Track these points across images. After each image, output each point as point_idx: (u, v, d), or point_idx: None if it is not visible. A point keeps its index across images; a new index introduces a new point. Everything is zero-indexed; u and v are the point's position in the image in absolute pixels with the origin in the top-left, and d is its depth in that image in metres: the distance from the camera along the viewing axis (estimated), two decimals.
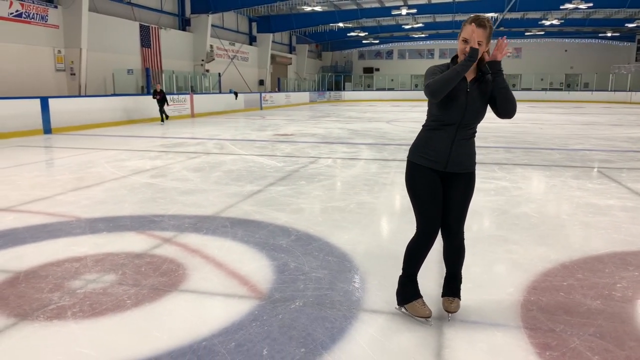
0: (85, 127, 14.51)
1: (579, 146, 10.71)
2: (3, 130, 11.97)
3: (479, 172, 7.24)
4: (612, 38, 43.12)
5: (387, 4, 30.51)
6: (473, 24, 2.41)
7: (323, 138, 12.47)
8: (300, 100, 36.24)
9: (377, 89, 48.14)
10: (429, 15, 34.93)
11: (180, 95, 19.93)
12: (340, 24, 34.08)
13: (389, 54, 50.78)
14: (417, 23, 36.86)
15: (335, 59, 51.12)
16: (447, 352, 2.38)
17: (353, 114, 23.60)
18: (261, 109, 28.12)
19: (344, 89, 47.25)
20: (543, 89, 44.38)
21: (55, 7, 15.86)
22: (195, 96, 21.07)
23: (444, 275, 2.85)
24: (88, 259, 3.63)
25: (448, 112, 2.48)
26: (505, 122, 17.88)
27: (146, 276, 3.30)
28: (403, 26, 37.12)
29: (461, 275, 2.83)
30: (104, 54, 18.24)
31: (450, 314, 2.75)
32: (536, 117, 20.99)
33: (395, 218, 4.97)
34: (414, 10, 28.93)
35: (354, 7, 31.26)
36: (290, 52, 40.43)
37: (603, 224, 4.66)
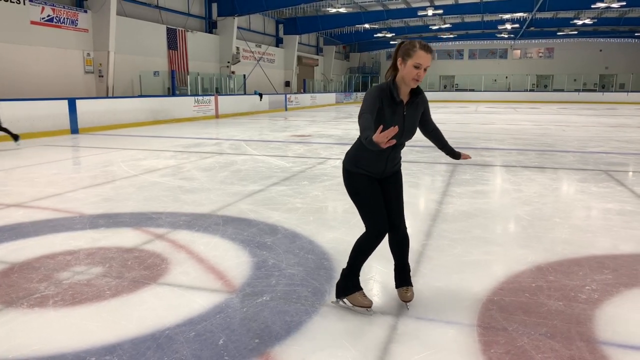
0: (111, 128, 15.02)
1: (598, 149, 10.50)
2: (32, 130, 12.53)
3: (484, 174, 7.23)
4: None
5: (414, 5, 30.37)
6: (423, 51, 2.50)
7: (339, 139, 12.58)
8: (326, 101, 36.41)
9: None
10: (456, 15, 34.62)
11: (205, 97, 20.35)
12: (367, 25, 34.10)
13: None
14: (445, 23, 36.55)
15: (363, 60, 51.14)
16: (394, 347, 2.47)
17: None
18: (286, 110, 28.40)
19: None
20: (576, 90, 43.27)
21: (85, 11, 16.47)
22: (220, 97, 21.47)
23: (393, 267, 2.96)
24: (81, 252, 3.85)
25: None
26: (528, 124, 17.63)
27: (130, 269, 3.49)
28: (431, 27, 36.87)
29: (409, 265, 2.96)
30: (131, 57, 18.82)
31: (408, 304, 2.88)
32: (562, 119, 20.58)
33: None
34: (440, 11, 28.72)
35: (380, 8, 31.25)
36: (317, 54, 40.66)
37: (594, 227, 4.63)
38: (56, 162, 8.81)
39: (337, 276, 3.38)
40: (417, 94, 2.66)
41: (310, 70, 38.99)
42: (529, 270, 3.49)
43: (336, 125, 17.14)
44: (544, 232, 4.42)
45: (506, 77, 45.76)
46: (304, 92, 33.41)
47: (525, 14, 30.18)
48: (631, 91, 40.84)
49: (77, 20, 16.13)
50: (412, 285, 2.94)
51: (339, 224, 4.69)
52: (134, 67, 18.98)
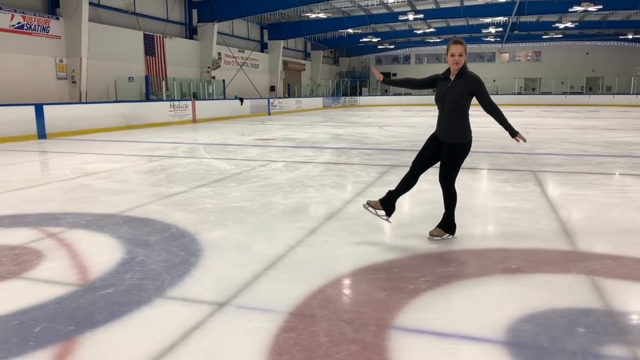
0: (81, 133, 15.22)
1: (546, 150, 10.69)
2: None
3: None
4: (634, 40, 41.99)
5: (395, 10, 30.65)
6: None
7: (299, 143, 12.76)
8: (313, 105, 36.66)
9: (394, 94, 48.17)
10: (441, 19, 34.94)
11: (181, 102, 20.57)
12: (350, 30, 34.38)
13: (406, 58, 50.81)
14: (430, 27, 36.82)
15: (353, 65, 51.50)
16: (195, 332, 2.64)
17: (356, 119, 23.83)
18: (269, 114, 28.65)
19: (360, 94, 47.47)
20: (563, 93, 43.47)
21: (57, 18, 16.72)
22: (198, 102, 21.70)
23: None
24: None
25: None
26: (493, 127, 17.81)
27: (1, 265, 3.67)
28: (415, 31, 37.15)
29: (447, 215, 4.19)
30: (106, 63, 19.06)
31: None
32: (540, 122, 20.77)
33: (281, 218, 5.19)
34: (421, 15, 29.02)
35: (362, 13, 31.53)
36: (305, 59, 40.98)
37: (475, 223, 4.81)
38: (3, 166, 9.00)
39: (190, 272, 3.57)
40: (461, 75, 3.92)
41: (297, 74, 39.28)
42: (379, 264, 3.67)
43: (308, 129, 17.34)
44: (422, 228, 4.59)
45: (494, 81, 45.99)
46: (289, 96, 33.65)
47: (505, 18, 30.44)
48: (617, 94, 41.07)
49: (48, 27, 16.37)
50: (440, 227, 4.21)
51: (233, 224, 4.86)
52: (109, 73, 19.22)
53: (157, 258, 3.82)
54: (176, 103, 20.13)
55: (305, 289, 3.20)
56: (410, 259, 3.80)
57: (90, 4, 17.54)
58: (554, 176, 7.47)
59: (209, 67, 25.22)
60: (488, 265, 3.67)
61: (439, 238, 4.18)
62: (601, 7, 26.18)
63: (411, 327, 2.70)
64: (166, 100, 20.08)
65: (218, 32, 26.89)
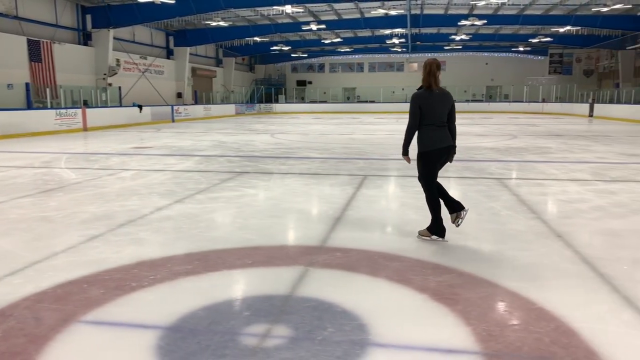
0: None
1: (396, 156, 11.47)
2: None
3: (252, 181, 7.70)
4: (526, 52, 45.55)
5: (300, 19, 31.36)
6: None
7: (175, 151, 12.82)
8: (225, 112, 36.54)
9: (310, 102, 49.02)
10: (348, 30, 36.07)
11: (69, 110, 19.90)
12: (257, 38, 34.74)
13: (321, 67, 51.91)
14: (337, 37, 37.95)
15: (269, 72, 51.87)
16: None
17: (258, 126, 24.12)
18: (173, 121, 28.31)
19: (277, 102, 47.86)
20: (466, 100, 46.20)
21: None
22: (90, 110, 21.08)
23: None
24: None
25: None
26: (383, 134, 18.84)
27: None
28: (323, 40, 38.14)
29: (432, 219, 4.54)
30: None
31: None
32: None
33: (75, 227, 5.33)
34: (323, 26, 29.88)
35: (268, 22, 31.99)
36: (217, 65, 40.79)
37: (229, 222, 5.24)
38: None
39: None
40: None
41: (208, 81, 39.02)
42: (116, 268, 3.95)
43: (197, 137, 17.37)
44: (193, 229, 4.94)
45: (403, 89, 48.08)
46: (196, 103, 33.40)
47: (404, 30, 32.02)
48: (513, 101, 44.28)
49: None
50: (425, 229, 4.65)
51: (19, 232, 4.96)
52: None
53: None
54: (63, 111, 19.46)
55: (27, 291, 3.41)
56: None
57: None
58: (377, 179, 8.12)
59: (105, 74, 24.56)
60: (232, 262, 4.06)
61: (428, 238, 4.59)
62: (486, 21, 28.25)
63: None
64: (52, 109, 19.35)
65: (117, 39, 26.30)
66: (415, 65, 50.76)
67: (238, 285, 3.71)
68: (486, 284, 3.59)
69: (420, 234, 4.66)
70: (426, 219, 4.67)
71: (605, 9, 23.64)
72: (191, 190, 7.22)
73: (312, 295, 3.40)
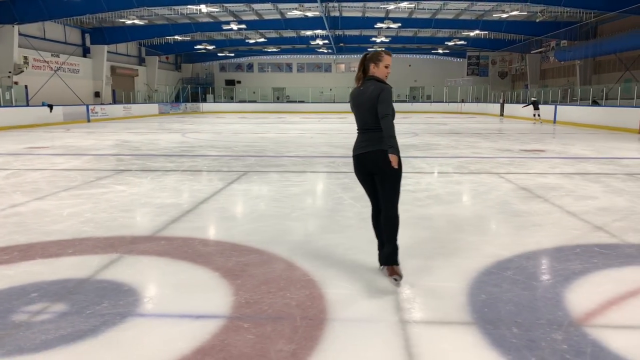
0: None
1: (287, 153, 11.92)
2: None
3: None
4: (446, 54, 47.74)
5: (220, 19, 31.32)
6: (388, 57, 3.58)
7: (69, 150, 12.60)
8: (147, 112, 35.76)
9: (239, 101, 48.89)
10: (272, 30, 36.33)
11: None
12: (178, 37, 34.33)
13: (250, 67, 51.91)
14: (262, 37, 38.14)
15: (196, 71, 51.23)
16: None
17: (176, 126, 23.88)
18: (88, 121, 27.46)
19: (205, 101, 47.34)
20: None
21: None
22: None
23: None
24: None
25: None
26: (296, 133, 19.29)
27: None
28: (248, 40, 38.22)
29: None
30: None
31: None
32: (343, 128, 22.67)
33: None
34: (244, 26, 30.02)
35: (188, 21, 31.70)
36: (140, 64, 39.87)
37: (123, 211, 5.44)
38: None
39: None
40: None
41: (129, 80, 38.07)
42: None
43: (102, 137, 17.04)
44: (35, 224, 5.08)
45: (330, 90, 49.01)
46: (114, 102, 32.54)
47: (323, 32, 32.73)
48: (434, 101, 46.26)
49: None
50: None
51: None
52: None
53: None
54: None
55: None
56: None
57: None
58: (255, 175, 8.48)
59: (10, 72, 23.48)
60: (52, 252, 4.25)
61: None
62: (400, 25, 29.46)
63: None
64: None
65: (25, 35, 25.23)
66: (343, 66, 51.87)
67: (42, 271, 3.88)
68: (282, 262, 4.01)
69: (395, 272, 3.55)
70: (276, 210, 5.04)
71: (504, 15, 25.36)
72: (59, 188, 7.26)
73: (110, 278, 3.67)
